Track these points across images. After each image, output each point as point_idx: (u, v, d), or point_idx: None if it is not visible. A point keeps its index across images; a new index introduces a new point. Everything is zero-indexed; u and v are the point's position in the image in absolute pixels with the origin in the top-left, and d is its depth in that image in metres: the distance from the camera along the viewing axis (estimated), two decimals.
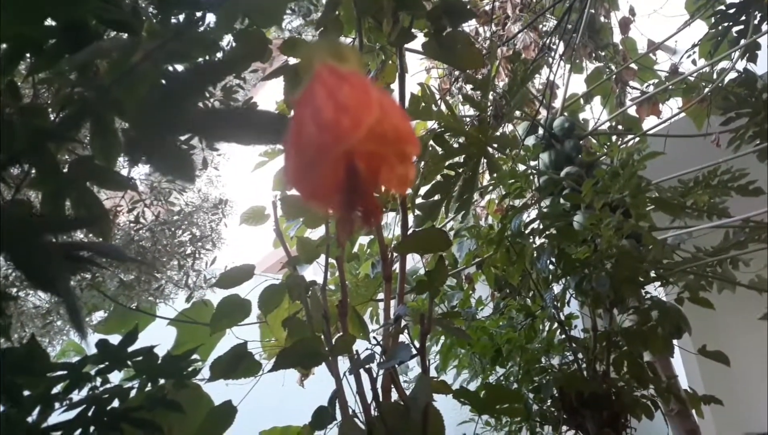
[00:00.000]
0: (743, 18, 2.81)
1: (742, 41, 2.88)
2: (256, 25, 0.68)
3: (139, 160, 0.70)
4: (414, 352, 1.58)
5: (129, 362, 1.48)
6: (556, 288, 2.39)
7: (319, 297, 1.75)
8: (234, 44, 1.88)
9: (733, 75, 2.99)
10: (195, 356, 1.68)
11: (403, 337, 1.77)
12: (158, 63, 0.69)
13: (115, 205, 2.07)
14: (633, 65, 3.13)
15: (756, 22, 2.81)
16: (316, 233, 2.04)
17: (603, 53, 3.08)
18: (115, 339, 1.48)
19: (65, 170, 1.10)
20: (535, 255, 2.24)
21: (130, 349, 1.48)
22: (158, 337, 1.81)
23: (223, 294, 1.92)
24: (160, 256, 1.97)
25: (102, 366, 1.44)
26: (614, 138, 2.99)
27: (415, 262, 3.01)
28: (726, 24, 2.82)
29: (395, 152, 0.58)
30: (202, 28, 0.71)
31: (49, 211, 1.13)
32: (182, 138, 0.71)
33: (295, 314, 1.86)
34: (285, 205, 1.85)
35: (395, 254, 1.93)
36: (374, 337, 1.78)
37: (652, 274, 2.39)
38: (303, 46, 0.60)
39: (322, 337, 1.74)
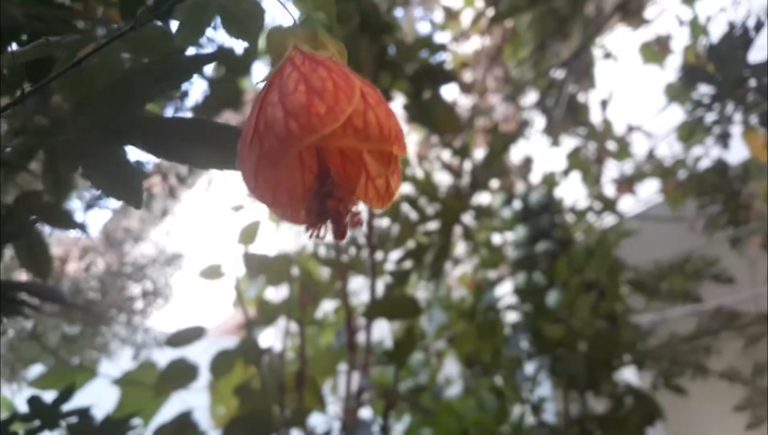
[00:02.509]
0: (718, 107, 2.85)
1: (716, 129, 2.91)
2: (232, 36, 0.58)
3: (75, 170, 0.59)
4: (376, 429, 1.45)
5: (62, 422, 1.36)
6: (528, 368, 2.28)
7: (276, 364, 1.62)
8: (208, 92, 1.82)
9: (707, 162, 3.02)
10: (136, 421, 1.54)
11: (365, 413, 1.65)
12: (111, 58, 0.59)
13: (65, 252, 1.94)
14: (611, 145, 3.14)
15: (729, 112, 2.85)
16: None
17: (581, 131, 3.10)
18: (52, 396, 1.35)
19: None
20: (508, 332, 2.15)
21: (65, 408, 1.35)
22: (100, 397, 1.67)
23: (172, 355, 1.79)
24: (108, 309, 1.84)
25: (33, 425, 1.32)
26: (591, 216, 2.97)
27: (381, 333, 2.89)
28: (701, 112, 2.86)
29: (377, 152, 0.49)
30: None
31: None
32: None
33: (248, 382, 1.72)
34: (247, 262, 1.75)
35: (360, 323, 1.83)
36: (333, 411, 1.65)
37: (626, 357, 2.31)
38: (275, 30, 0.50)
39: (276, 407, 1.61)
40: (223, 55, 1.63)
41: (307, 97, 0.42)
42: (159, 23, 0.57)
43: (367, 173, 0.51)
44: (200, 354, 1.85)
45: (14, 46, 0.81)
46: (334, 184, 0.49)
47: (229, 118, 1.96)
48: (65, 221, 0.94)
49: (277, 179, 0.46)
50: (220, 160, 0.56)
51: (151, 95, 0.56)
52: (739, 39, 2.53)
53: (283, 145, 0.41)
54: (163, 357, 1.84)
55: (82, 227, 1.02)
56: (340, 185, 0.49)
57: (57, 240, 1.92)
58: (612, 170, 3.23)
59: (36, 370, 1.90)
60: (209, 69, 1.62)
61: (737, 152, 2.93)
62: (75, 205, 1.72)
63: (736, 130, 2.87)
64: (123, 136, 0.56)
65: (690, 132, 3.00)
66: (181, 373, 1.69)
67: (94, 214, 1.78)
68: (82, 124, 0.55)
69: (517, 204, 2.95)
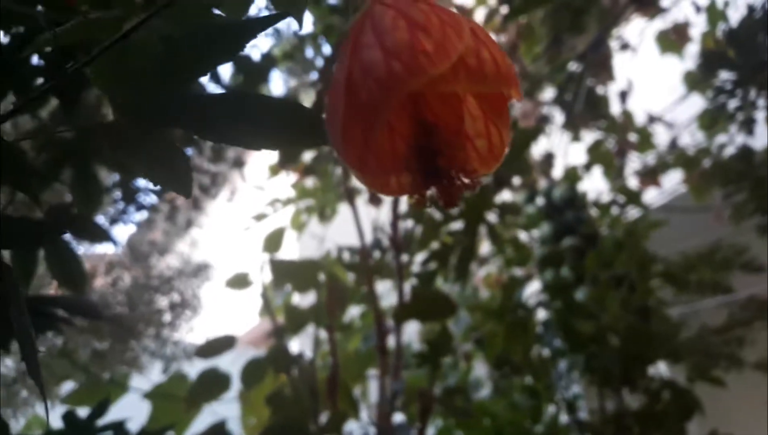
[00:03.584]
0: (740, 93, 2.81)
1: (739, 115, 2.87)
2: (277, 8, 0.51)
3: (122, 157, 0.52)
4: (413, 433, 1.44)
5: None
6: (560, 366, 2.25)
7: (307, 371, 1.61)
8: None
9: (731, 149, 2.98)
10: (170, 433, 1.54)
11: (398, 417, 1.63)
12: (155, 32, 0.51)
13: (92, 267, 1.95)
14: (632, 137, 3.11)
15: (753, 97, 2.81)
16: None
17: (602, 124, 3.07)
18: (85, 412, 1.35)
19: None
20: (539, 329, 2.12)
21: (99, 423, 1.35)
22: (132, 411, 1.67)
23: (202, 366, 1.78)
24: (136, 323, 1.84)
25: None
26: (615, 210, 2.93)
27: (408, 336, 2.87)
28: (723, 99, 2.82)
29: (487, 99, 0.41)
30: None
31: (21, 264, 1.01)
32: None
33: (279, 389, 1.71)
34: (274, 269, 1.74)
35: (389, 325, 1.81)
36: (366, 417, 1.64)
37: (660, 351, 2.27)
38: None
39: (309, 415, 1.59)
40: (240, 62, 1.63)
41: (410, 33, 0.35)
42: None
43: (465, 134, 0.44)
44: (229, 365, 1.84)
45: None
46: (442, 139, 0.41)
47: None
48: (95, 234, 0.93)
49: (365, 143, 0.39)
50: (269, 139, 0.50)
51: (203, 68, 0.50)
52: (759, 22, 2.49)
53: (385, 91, 0.34)
54: (193, 369, 1.83)
55: (112, 239, 1.02)
56: (447, 141, 0.42)
57: (83, 256, 1.92)
58: (634, 162, 3.20)
59: (68, 386, 1.91)
60: (227, 76, 1.61)
61: (762, 138, 2.88)
62: (100, 220, 1.72)
63: (760, 115, 2.83)
64: (170, 116, 0.50)
65: (712, 119, 2.96)
66: (213, 384, 1.68)
67: (119, 228, 1.79)
68: (127, 105, 0.49)
69: (540, 200, 2.92)
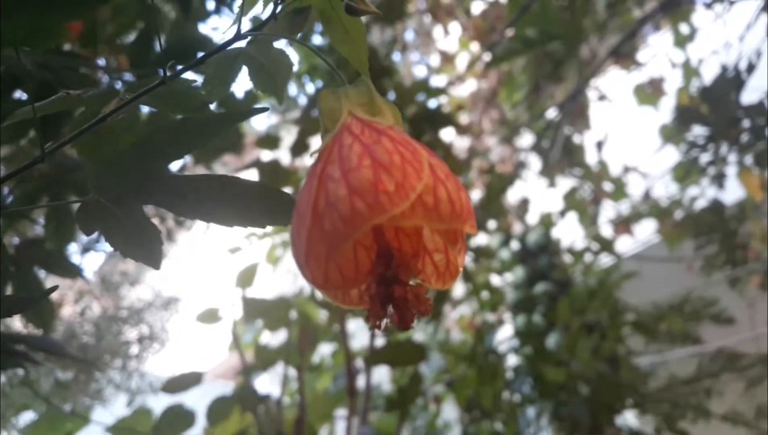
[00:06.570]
0: (712, 148, 2.88)
1: (711, 170, 2.93)
2: (258, 89, 0.54)
3: (93, 231, 0.54)
4: None
5: None
6: (530, 412, 2.25)
7: (273, 411, 1.59)
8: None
9: (703, 202, 3.03)
10: None
11: None
12: (136, 116, 0.56)
13: (60, 295, 1.91)
14: (607, 186, 3.16)
15: (724, 152, 2.87)
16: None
17: (577, 172, 3.12)
18: None
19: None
20: (509, 375, 2.12)
21: None
22: None
23: (168, 401, 1.75)
24: (103, 354, 1.80)
25: None
26: (588, 256, 2.96)
27: (379, 376, 2.85)
28: (696, 153, 2.88)
29: (446, 231, 0.44)
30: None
31: None
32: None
33: (245, 429, 1.68)
34: (245, 306, 1.72)
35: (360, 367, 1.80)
36: None
37: (628, 401, 2.28)
38: (327, 93, 0.47)
39: None
40: (223, 98, 1.63)
41: (374, 172, 0.38)
42: (184, 76, 0.54)
43: (424, 247, 0.47)
44: (196, 398, 1.81)
45: (19, 94, 0.81)
46: (399, 267, 0.43)
47: (228, 161, 1.96)
48: (67, 268, 0.92)
49: (329, 257, 0.41)
50: (245, 218, 0.52)
51: (178, 154, 0.53)
52: (731, 81, 2.56)
53: (348, 226, 0.37)
54: (158, 403, 1.79)
55: (82, 275, 1.01)
56: (402, 266, 0.44)
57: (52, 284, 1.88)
58: (608, 211, 3.24)
59: (27, 417, 1.86)
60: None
61: (733, 192, 2.94)
62: (71, 248, 1.70)
63: (731, 170, 2.89)
64: (146, 195, 0.53)
65: (685, 172, 3.02)
66: (178, 420, 1.65)
67: (91, 257, 1.76)
68: (105, 184, 0.52)
69: (514, 245, 2.94)
